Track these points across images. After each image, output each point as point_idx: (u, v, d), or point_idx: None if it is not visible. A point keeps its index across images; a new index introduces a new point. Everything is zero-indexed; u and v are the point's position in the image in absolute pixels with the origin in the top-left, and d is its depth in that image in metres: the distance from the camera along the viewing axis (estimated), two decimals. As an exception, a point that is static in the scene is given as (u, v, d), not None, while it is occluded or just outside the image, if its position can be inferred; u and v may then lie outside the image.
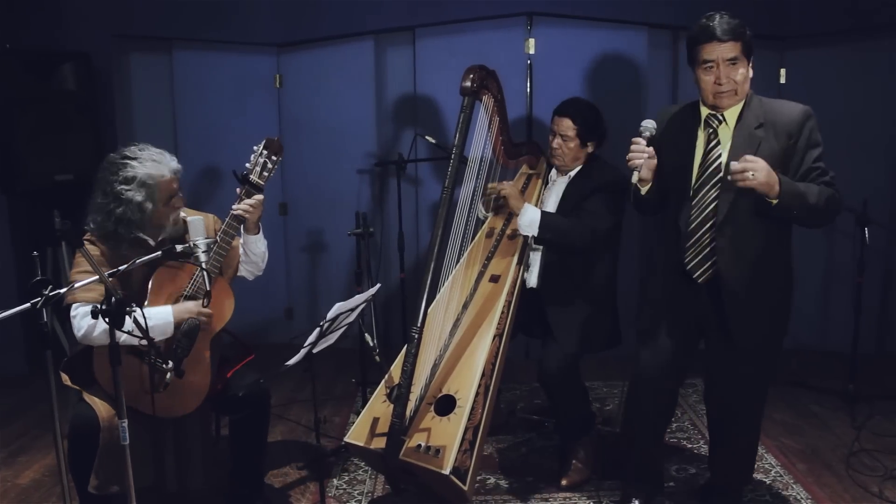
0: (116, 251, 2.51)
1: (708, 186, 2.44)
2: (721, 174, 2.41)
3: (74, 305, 2.42)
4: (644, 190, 2.52)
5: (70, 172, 4.29)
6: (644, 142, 2.44)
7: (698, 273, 2.49)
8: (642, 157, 2.42)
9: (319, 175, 4.67)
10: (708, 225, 2.45)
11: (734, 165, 2.26)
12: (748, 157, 2.27)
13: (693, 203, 2.46)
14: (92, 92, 4.42)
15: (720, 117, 2.45)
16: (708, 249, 2.46)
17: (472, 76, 2.78)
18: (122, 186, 2.45)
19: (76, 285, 2.17)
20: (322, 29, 4.59)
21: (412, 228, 4.59)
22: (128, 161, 2.47)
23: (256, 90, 4.67)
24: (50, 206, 4.26)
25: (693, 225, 2.46)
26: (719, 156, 2.43)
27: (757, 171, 2.23)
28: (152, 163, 2.49)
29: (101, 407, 2.39)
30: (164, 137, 4.45)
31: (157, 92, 4.60)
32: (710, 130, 2.45)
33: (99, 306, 1.98)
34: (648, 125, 2.46)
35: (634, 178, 2.45)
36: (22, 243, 4.47)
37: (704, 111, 2.49)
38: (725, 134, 2.45)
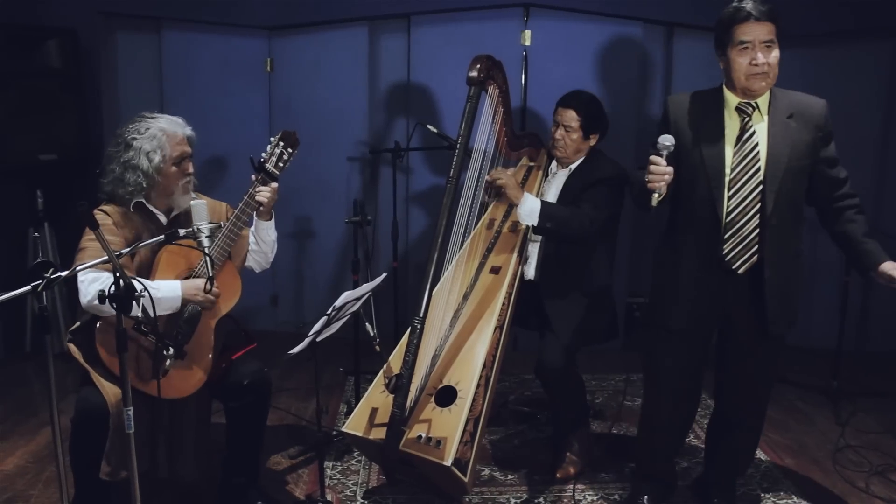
0: (128, 214, 2.51)
1: (748, 176, 2.40)
2: (760, 163, 2.39)
3: (83, 271, 2.36)
4: (656, 202, 2.36)
5: (54, 152, 4.19)
6: (664, 162, 2.30)
7: (739, 263, 2.44)
8: (664, 178, 2.30)
9: (309, 161, 4.57)
10: (751, 214, 2.41)
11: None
12: None
13: (732, 193, 2.41)
14: (77, 70, 4.32)
15: (754, 104, 2.41)
16: (750, 239, 2.43)
17: (478, 66, 2.75)
18: (134, 136, 2.50)
19: (79, 266, 2.13)
20: (315, 13, 4.52)
21: (402, 217, 4.55)
22: (145, 118, 2.56)
23: (247, 73, 4.59)
24: (33, 187, 4.17)
25: (734, 214, 2.41)
26: (756, 144, 2.40)
27: None
28: (167, 120, 2.57)
29: (108, 391, 2.34)
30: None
31: (145, 72, 4.51)
32: (746, 119, 2.41)
33: (106, 291, 1.94)
34: (667, 143, 2.30)
35: (654, 202, 2.31)
36: (2, 223, 4.35)
37: (732, 98, 2.43)
38: (759, 123, 2.42)
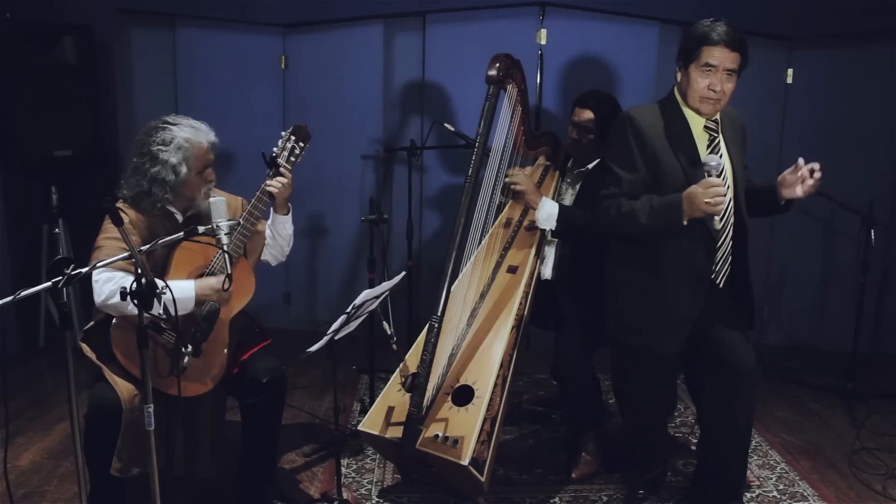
0: (146, 216, 2.48)
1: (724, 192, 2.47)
2: (729, 180, 2.46)
3: (97, 270, 2.36)
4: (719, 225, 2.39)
5: (69, 148, 4.19)
6: (721, 181, 2.31)
7: (721, 277, 2.51)
8: (726, 198, 2.32)
9: (323, 159, 4.58)
10: (729, 228, 2.49)
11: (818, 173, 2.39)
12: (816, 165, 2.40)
13: None
14: (93, 66, 4.31)
15: (717, 121, 2.49)
16: (728, 251, 2.51)
17: (498, 65, 2.75)
18: (160, 147, 2.45)
19: (100, 263, 2.11)
20: (330, 11, 4.51)
21: (416, 216, 4.55)
22: (167, 125, 2.49)
23: (261, 71, 4.59)
24: (47, 182, 4.17)
25: (719, 228, 2.45)
26: (724, 163, 2.47)
27: None
28: (191, 128, 2.50)
29: (122, 387, 2.34)
30: (166, 115, 4.36)
31: (159, 69, 4.51)
32: (715, 139, 2.48)
33: (128, 288, 1.93)
34: (714, 163, 2.32)
35: (718, 225, 2.34)
36: (16, 219, 4.36)
37: (696, 118, 2.47)
38: (721, 140, 2.50)
